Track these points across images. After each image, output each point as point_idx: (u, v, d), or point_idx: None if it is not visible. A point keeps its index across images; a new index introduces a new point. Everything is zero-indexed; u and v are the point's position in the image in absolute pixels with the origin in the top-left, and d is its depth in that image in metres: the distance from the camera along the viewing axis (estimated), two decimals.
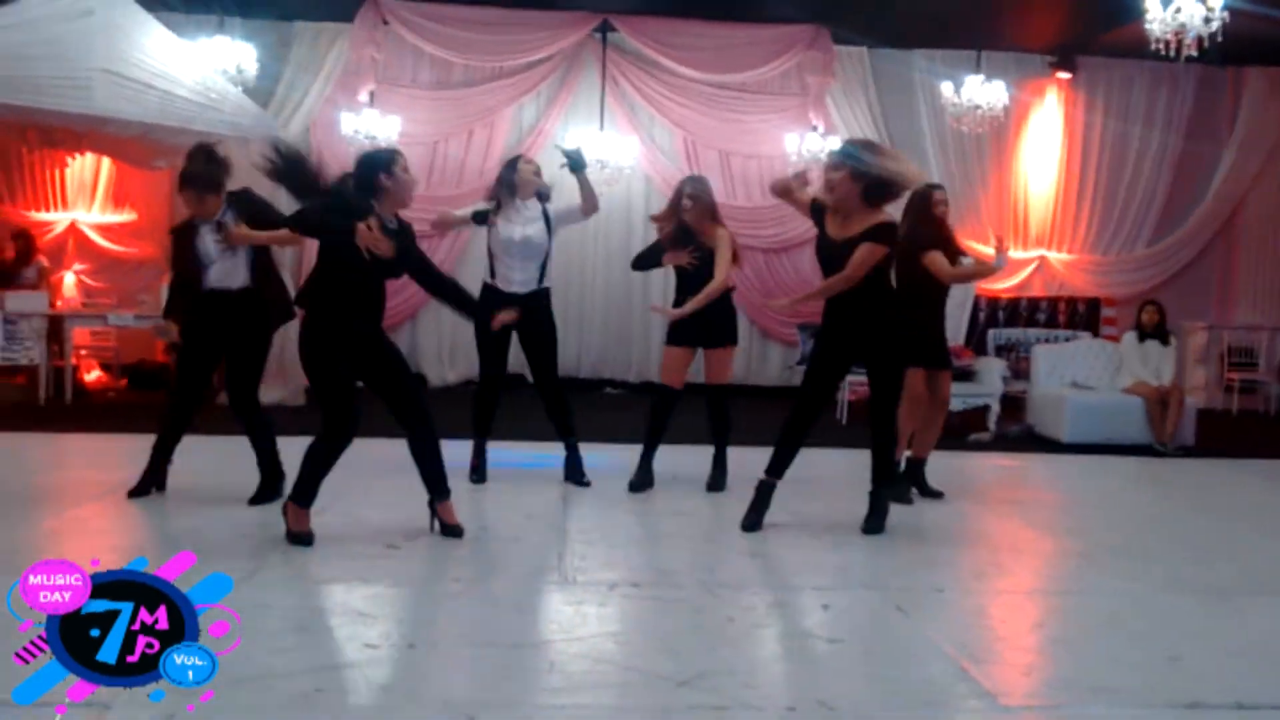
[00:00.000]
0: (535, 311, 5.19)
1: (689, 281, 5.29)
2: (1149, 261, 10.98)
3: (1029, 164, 10.86)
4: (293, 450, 4.92)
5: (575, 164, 5.11)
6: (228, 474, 5.07)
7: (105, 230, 9.91)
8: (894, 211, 4.59)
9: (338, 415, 4.02)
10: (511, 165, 5.35)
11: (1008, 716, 2.60)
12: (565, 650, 2.96)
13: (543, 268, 5.29)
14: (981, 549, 4.59)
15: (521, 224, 5.23)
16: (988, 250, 10.57)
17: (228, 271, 4.69)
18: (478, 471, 5.35)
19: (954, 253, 5.26)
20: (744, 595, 3.65)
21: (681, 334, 5.32)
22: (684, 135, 10.52)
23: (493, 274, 5.30)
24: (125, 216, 9.85)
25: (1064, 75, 10.71)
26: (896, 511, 5.06)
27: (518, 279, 5.25)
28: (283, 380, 8.39)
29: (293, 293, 4.86)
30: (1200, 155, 10.93)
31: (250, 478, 4.77)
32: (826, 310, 4.57)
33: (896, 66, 10.55)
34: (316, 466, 4.05)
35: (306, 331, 4.05)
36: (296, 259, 8.87)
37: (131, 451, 4.84)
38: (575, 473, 5.38)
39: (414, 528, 4.23)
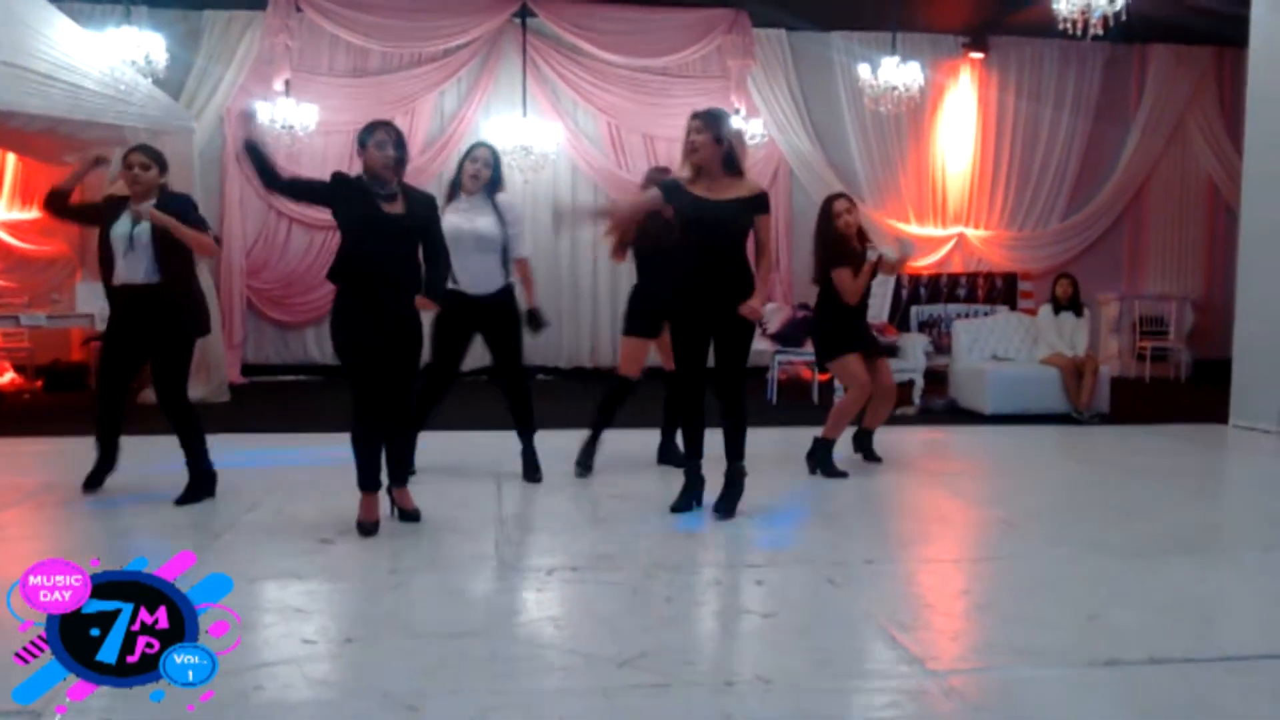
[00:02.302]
0: (501, 313, 5.05)
1: (654, 264, 5.15)
2: (1062, 236, 11.34)
3: (946, 143, 11.11)
4: (219, 447, 4.84)
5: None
6: (155, 473, 4.97)
7: (13, 228, 9.58)
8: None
9: (358, 391, 4.09)
10: (464, 155, 5.12)
11: (936, 681, 2.69)
12: (505, 637, 2.98)
13: (504, 263, 5.06)
14: (909, 520, 4.72)
15: (469, 215, 4.99)
16: (909, 229, 10.84)
17: (133, 265, 4.57)
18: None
19: (858, 256, 5.50)
20: (680, 575, 3.70)
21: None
22: (607, 120, 10.53)
23: (453, 277, 4.92)
24: (33, 214, 9.52)
25: (977, 55, 10.97)
26: (827, 487, 5.17)
27: (477, 276, 4.97)
28: (205, 377, 8.21)
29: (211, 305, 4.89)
30: (1109, 131, 11.32)
31: (184, 474, 4.67)
32: (683, 281, 4.44)
33: (815, 48, 10.69)
34: (357, 448, 4.13)
35: (332, 307, 4.18)
36: (213, 271, 8.66)
37: (49, 454, 4.72)
38: (531, 469, 5.21)
39: (347, 522, 4.19)
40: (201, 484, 4.70)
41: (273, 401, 8.66)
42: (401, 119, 10.24)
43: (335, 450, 4.16)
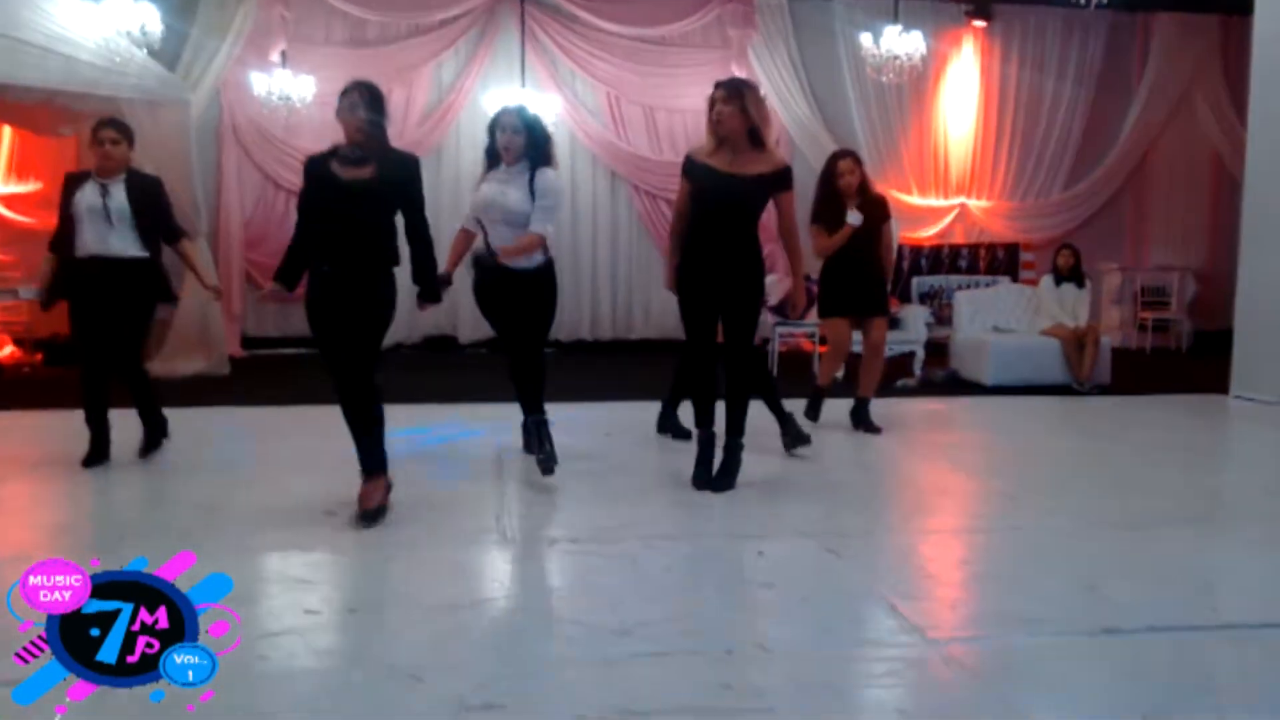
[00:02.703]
0: (533, 288, 4.63)
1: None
2: (1064, 206, 11.28)
3: (948, 113, 11.03)
4: (220, 420, 4.84)
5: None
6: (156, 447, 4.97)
7: (10, 201, 9.53)
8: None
9: (328, 367, 3.98)
10: (492, 123, 4.66)
11: (936, 649, 2.70)
12: (506, 608, 2.99)
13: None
14: (909, 491, 4.73)
15: (503, 187, 4.52)
16: (911, 200, 10.79)
17: (103, 238, 4.57)
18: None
19: (840, 219, 5.65)
20: (680, 546, 3.71)
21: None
22: (607, 91, 10.44)
23: (488, 245, 4.61)
24: (30, 186, 9.47)
25: (979, 23, 10.86)
26: (826, 458, 5.18)
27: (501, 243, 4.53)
28: (205, 351, 8.21)
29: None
30: (1112, 101, 11.24)
31: (183, 448, 4.69)
32: (691, 254, 4.39)
33: (817, 17, 10.58)
34: (349, 427, 3.98)
35: None
36: (212, 244, 8.61)
37: (51, 427, 4.72)
38: (546, 459, 4.55)
39: (350, 494, 4.20)
40: (158, 431, 4.91)
41: (272, 374, 8.66)
42: (399, 90, 10.16)
43: (338, 421, 4.14)
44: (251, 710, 2.35)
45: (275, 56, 9.65)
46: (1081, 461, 5.44)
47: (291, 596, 3.10)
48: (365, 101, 3.82)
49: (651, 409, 5.71)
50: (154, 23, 8.52)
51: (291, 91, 9.40)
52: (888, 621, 2.93)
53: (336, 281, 3.85)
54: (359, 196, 3.79)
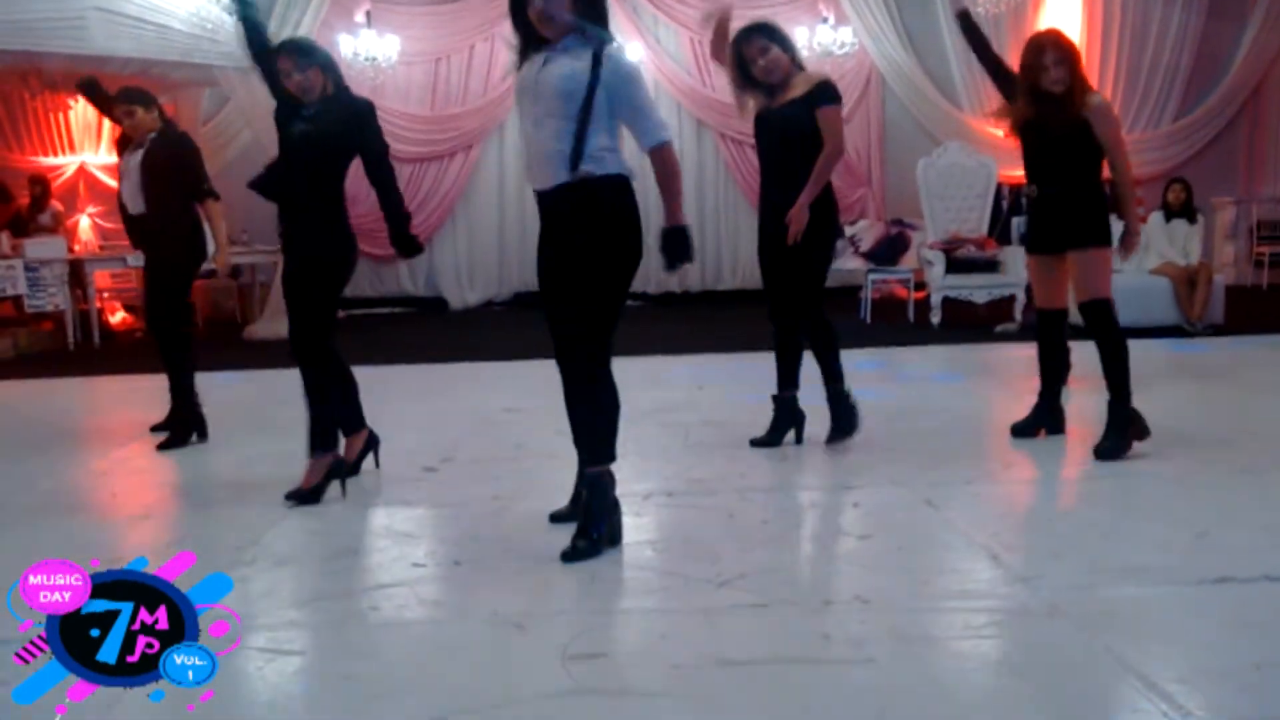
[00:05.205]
0: (563, 218, 3.09)
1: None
2: (1174, 138, 10.76)
3: None
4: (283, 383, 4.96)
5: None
6: (263, 405, 5.15)
7: (115, 171, 9.87)
8: None
9: None
10: None
11: (1039, 600, 2.66)
12: (605, 560, 3.04)
13: (574, 143, 2.97)
14: (1009, 439, 4.62)
15: (538, 67, 3.04)
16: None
17: (130, 194, 4.83)
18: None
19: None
20: (776, 498, 3.71)
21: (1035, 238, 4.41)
22: (690, 35, 10.29)
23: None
24: None
25: None
26: (923, 406, 5.09)
27: (531, 158, 3.12)
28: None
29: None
30: (1224, 26, 10.62)
31: (289, 407, 4.83)
32: (761, 203, 4.27)
33: None
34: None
35: None
36: None
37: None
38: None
39: (449, 450, 4.30)
40: (183, 426, 4.72)
41: (367, 334, 8.88)
42: (482, 46, 10.21)
43: (435, 379, 4.22)
44: (367, 656, 2.45)
45: (360, 17, 9.77)
46: (1192, 405, 5.25)
47: (400, 550, 3.20)
48: (295, 64, 3.66)
49: (742, 361, 5.69)
50: None
51: (377, 52, 9.51)
52: (989, 572, 2.89)
53: (285, 239, 3.80)
54: (299, 147, 3.68)
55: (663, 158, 3.06)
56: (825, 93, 4.09)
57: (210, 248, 4.87)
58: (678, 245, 3.07)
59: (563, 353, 3.16)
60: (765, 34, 4.13)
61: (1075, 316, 4.36)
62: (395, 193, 3.78)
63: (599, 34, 2.99)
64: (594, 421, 3.14)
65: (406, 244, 3.83)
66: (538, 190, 3.10)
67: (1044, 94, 4.04)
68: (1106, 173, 4.21)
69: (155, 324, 4.86)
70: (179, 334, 4.79)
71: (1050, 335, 4.47)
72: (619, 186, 3.04)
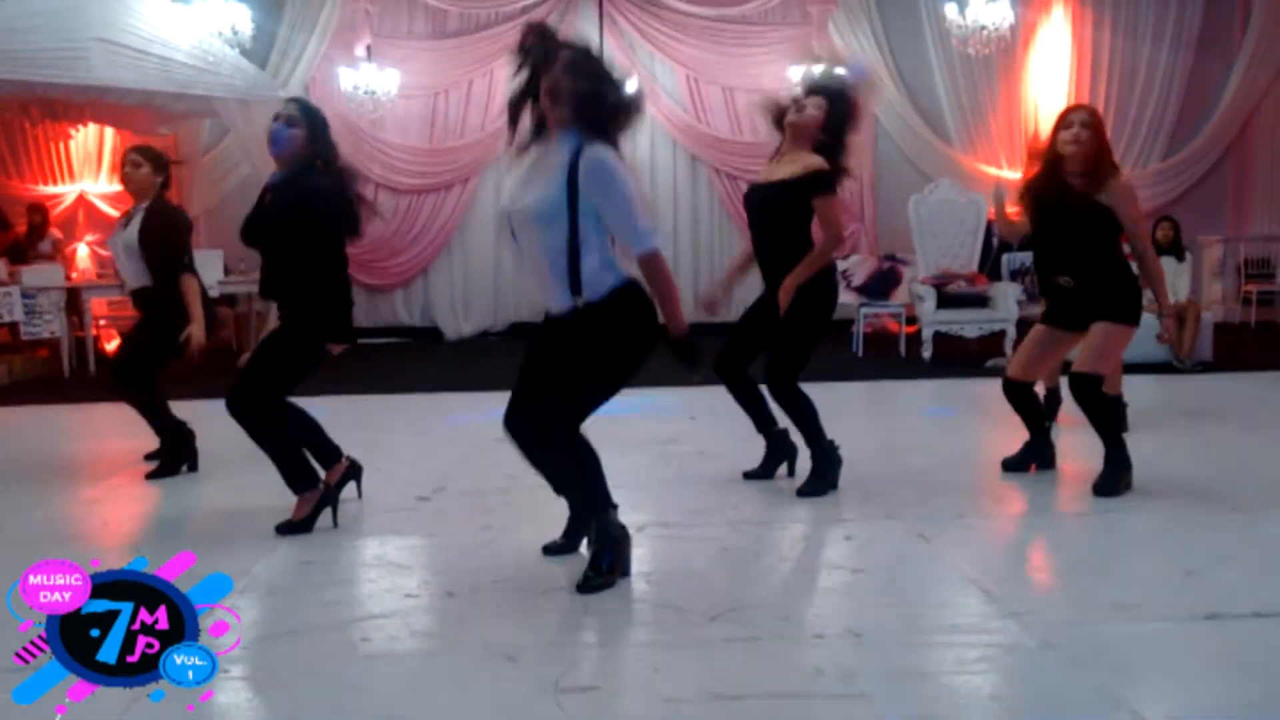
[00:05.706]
0: (569, 329, 3.03)
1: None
2: (1162, 177, 10.87)
3: (1038, 84, 10.72)
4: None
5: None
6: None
7: (114, 200, 9.93)
8: None
9: None
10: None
11: (1030, 635, 2.67)
12: (599, 591, 3.03)
13: (570, 265, 2.91)
14: (1000, 473, 4.64)
15: (523, 178, 3.04)
16: (1001, 174, 10.54)
17: (122, 268, 4.82)
18: None
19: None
20: (770, 531, 3.72)
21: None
22: (686, 73, 10.42)
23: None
24: None
25: None
26: (915, 441, 5.11)
27: (532, 283, 3.18)
28: None
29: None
30: (1212, 66, 10.78)
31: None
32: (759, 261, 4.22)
33: None
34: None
35: None
36: None
37: None
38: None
39: (441, 480, 4.31)
40: (173, 454, 4.71)
41: (362, 363, 8.87)
42: (480, 80, 10.31)
43: (428, 410, 4.24)
44: (358, 687, 2.44)
45: (360, 51, 9.87)
46: (1181, 442, 5.28)
47: (392, 580, 3.20)
48: (271, 136, 3.63)
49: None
50: (244, 22, 8.80)
51: (377, 86, 9.60)
52: (981, 607, 2.90)
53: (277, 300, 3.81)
54: (251, 228, 3.76)
55: (652, 267, 2.95)
56: (819, 182, 3.99)
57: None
58: (688, 354, 3.08)
59: (534, 451, 3.13)
60: (826, 94, 4.07)
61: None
62: (320, 282, 3.66)
63: (581, 138, 2.88)
64: (581, 484, 3.15)
65: (336, 333, 3.76)
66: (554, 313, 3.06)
67: (1063, 168, 4.06)
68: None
69: (117, 376, 4.77)
70: (132, 380, 4.71)
71: (1020, 400, 4.48)
72: (622, 297, 2.97)
